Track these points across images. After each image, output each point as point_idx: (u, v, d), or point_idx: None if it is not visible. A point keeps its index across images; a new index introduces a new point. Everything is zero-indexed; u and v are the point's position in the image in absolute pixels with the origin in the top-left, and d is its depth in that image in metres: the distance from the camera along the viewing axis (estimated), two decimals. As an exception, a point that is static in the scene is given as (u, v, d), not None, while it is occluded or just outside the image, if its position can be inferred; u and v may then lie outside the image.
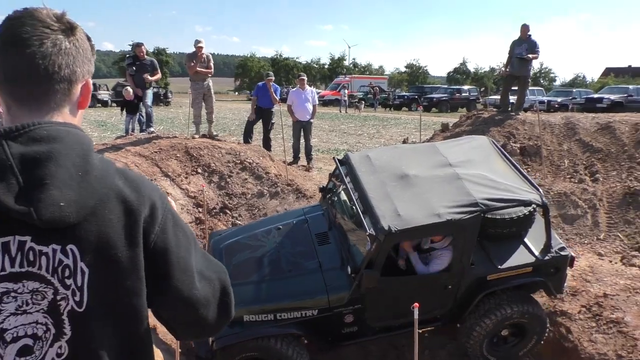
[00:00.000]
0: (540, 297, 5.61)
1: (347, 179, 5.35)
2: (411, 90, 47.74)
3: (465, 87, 43.41)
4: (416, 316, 4.05)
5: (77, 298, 1.04)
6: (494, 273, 4.93)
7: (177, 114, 29.54)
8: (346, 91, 39.39)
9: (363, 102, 38.46)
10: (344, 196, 5.57)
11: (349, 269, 4.71)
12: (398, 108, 40.43)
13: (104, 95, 38.51)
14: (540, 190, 5.11)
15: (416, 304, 4.03)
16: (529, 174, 9.47)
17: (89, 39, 1.19)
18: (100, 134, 18.13)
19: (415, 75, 76.16)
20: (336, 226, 5.42)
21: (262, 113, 11.62)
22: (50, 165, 1.01)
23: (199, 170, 9.23)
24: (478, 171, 5.17)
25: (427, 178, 5.08)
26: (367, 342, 5.49)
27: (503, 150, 5.82)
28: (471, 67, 76.58)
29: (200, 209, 8.26)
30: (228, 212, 8.55)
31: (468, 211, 4.62)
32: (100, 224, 1.06)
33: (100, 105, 36.91)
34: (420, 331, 5.20)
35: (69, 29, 1.12)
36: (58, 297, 1.03)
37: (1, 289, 0.99)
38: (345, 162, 5.62)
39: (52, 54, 1.08)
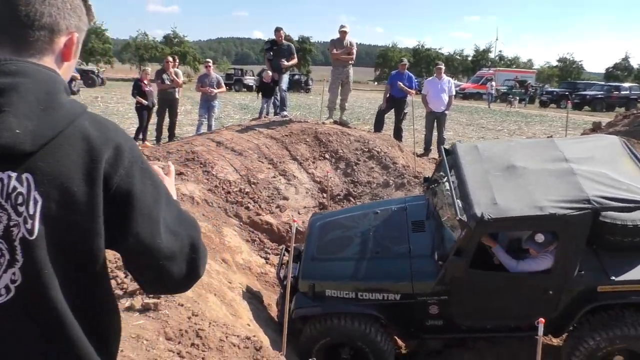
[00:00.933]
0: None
1: (450, 169, 5.15)
2: (562, 86, 44.16)
3: (626, 85, 39.31)
4: (541, 332, 3.70)
5: (28, 226, 1.04)
6: (606, 285, 4.35)
7: (315, 101, 30.14)
8: (494, 84, 37.32)
9: (517, 97, 36.31)
10: (446, 186, 5.30)
11: (436, 256, 4.55)
12: (545, 105, 37.68)
13: (249, 80, 40.53)
14: None
15: (542, 320, 3.67)
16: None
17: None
18: (242, 116, 19.00)
19: (567, 71, 70.42)
20: (434, 216, 5.22)
21: (395, 102, 11.32)
22: (12, 95, 1.04)
23: (327, 156, 9.22)
24: (598, 169, 4.61)
25: (535, 171, 4.68)
26: (484, 351, 5.12)
27: (639, 154, 5.06)
28: (634, 63, 69.12)
29: (324, 195, 8.24)
30: (352, 199, 8.44)
31: (576, 207, 4.14)
32: (59, 158, 1.05)
33: (245, 89, 38.93)
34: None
35: None
36: (11, 224, 1.04)
37: None
38: (451, 152, 5.42)
39: (35, 2, 1.12)
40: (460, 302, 4.57)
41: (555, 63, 75.06)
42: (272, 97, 11.48)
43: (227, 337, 3.88)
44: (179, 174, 7.45)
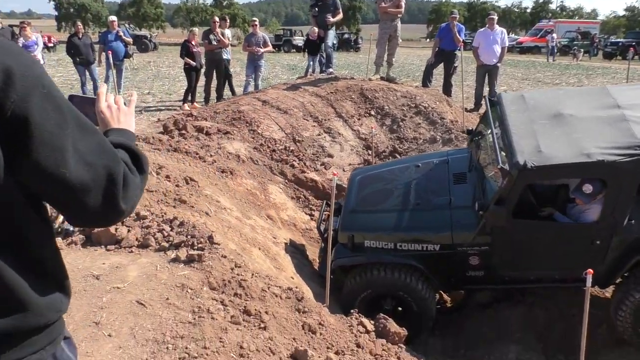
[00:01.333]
0: None
1: (495, 120, 4.98)
2: (628, 37, 41.51)
3: (697, 33, 36.54)
4: (589, 284, 3.63)
5: None
6: None
7: (364, 59, 29.62)
8: (554, 36, 35.47)
9: (581, 50, 34.50)
10: (489, 138, 5.16)
11: (477, 206, 4.48)
12: (609, 57, 35.63)
13: (298, 40, 40.18)
14: None
15: (590, 270, 3.58)
16: None
17: None
18: (289, 76, 18.95)
19: (635, 21, 66.17)
20: (476, 168, 5.10)
21: (444, 56, 10.98)
22: None
23: (372, 113, 9.11)
24: None
25: (584, 118, 4.48)
26: (536, 307, 5.06)
27: None
28: None
29: (369, 152, 8.19)
30: (397, 156, 8.34)
31: (627, 154, 3.97)
32: None
33: (294, 50, 38.67)
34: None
35: None
36: None
37: None
38: (497, 102, 5.22)
39: None
40: (502, 253, 4.51)
41: (622, 13, 70.59)
42: (318, 55, 11.37)
43: (269, 287, 3.97)
44: (226, 133, 7.55)
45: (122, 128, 1.42)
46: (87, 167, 1.13)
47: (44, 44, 19.30)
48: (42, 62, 12.38)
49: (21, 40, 11.30)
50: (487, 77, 10.77)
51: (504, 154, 4.43)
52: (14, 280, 1.10)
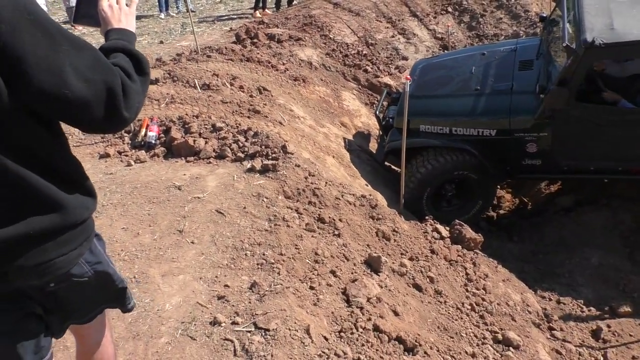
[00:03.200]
0: None
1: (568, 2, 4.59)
2: None
3: None
4: None
5: None
6: None
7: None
8: None
9: None
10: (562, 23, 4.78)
11: (538, 88, 4.30)
12: None
13: None
14: None
15: None
16: None
17: None
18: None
19: None
20: (545, 55, 4.80)
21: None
22: None
23: (449, 10, 8.58)
24: None
25: None
26: (618, 208, 4.84)
27: None
28: None
29: (446, 52, 7.79)
30: (477, 56, 7.90)
31: None
32: None
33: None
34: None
35: None
36: None
37: None
38: None
39: None
40: (562, 139, 4.36)
41: None
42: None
43: (343, 195, 4.02)
44: (297, 39, 7.42)
45: (122, 28, 1.44)
46: (87, 83, 1.19)
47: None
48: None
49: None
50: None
51: (570, 28, 4.18)
52: (42, 184, 1.24)
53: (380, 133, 5.60)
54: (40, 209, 1.26)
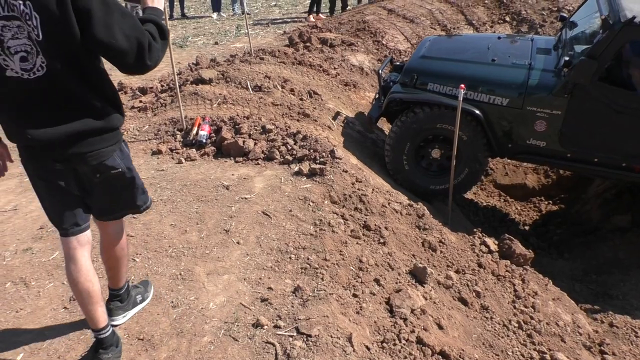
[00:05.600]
0: None
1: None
2: None
3: None
4: None
5: (36, 32, 1.74)
6: None
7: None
8: None
9: None
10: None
11: (562, 62, 4.16)
12: None
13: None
14: None
15: None
16: None
17: None
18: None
19: None
20: (565, 44, 4.66)
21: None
22: None
23: (507, 19, 8.38)
24: None
25: None
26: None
27: None
28: None
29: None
30: (533, 66, 7.69)
31: None
32: None
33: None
34: None
35: None
36: (29, 31, 1.74)
37: (2, 23, 1.73)
38: None
39: None
40: (574, 121, 4.21)
41: None
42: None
43: (389, 203, 3.97)
44: (350, 44, 7.40)
45: (155, 6, 2.02)
46: (126, 37, 1.80)
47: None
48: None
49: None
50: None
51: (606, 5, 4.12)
52: (95, 100, 1.93)
53: (378, 95, 5.47)
54: (92, 115, 1.93)
